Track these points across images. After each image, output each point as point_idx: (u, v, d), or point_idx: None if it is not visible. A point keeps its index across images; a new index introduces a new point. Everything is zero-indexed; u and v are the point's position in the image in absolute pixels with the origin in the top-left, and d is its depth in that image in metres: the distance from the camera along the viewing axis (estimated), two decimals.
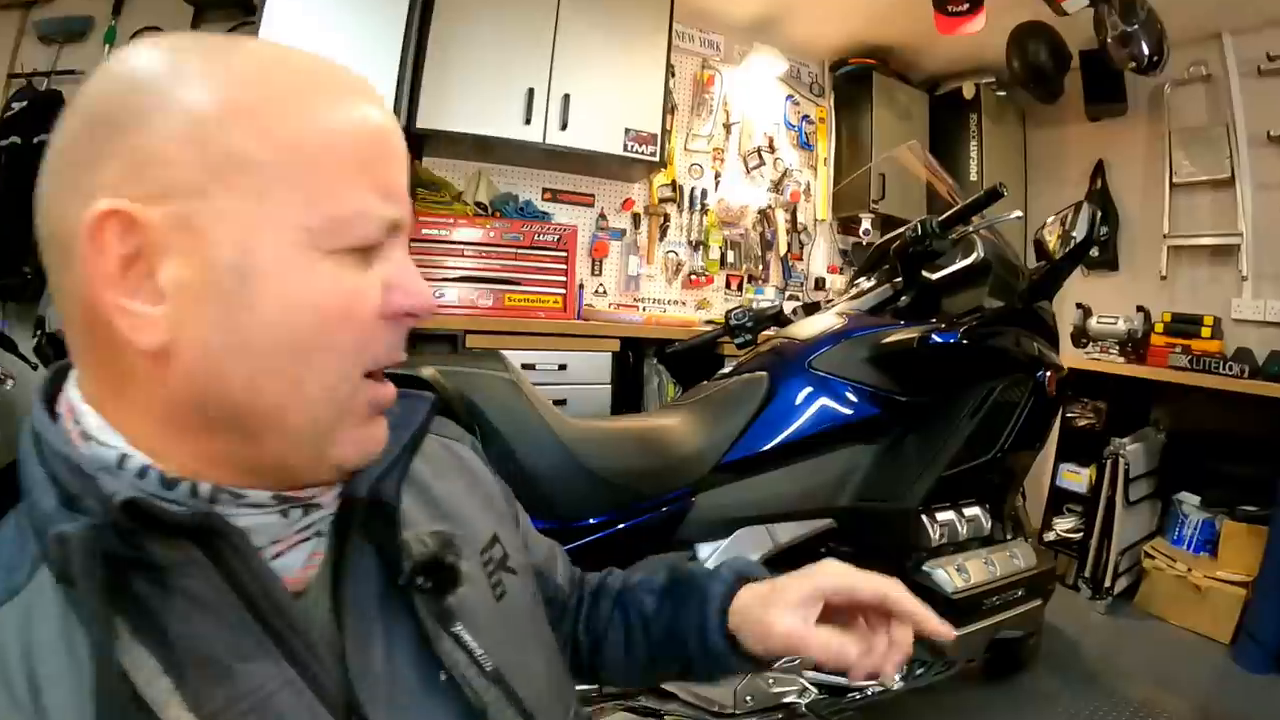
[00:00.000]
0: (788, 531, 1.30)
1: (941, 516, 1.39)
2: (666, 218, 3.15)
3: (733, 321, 1.83)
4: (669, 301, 3.18)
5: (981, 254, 1.57)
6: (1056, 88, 3.24)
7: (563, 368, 2.37)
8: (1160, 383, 2.70)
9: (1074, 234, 1.57)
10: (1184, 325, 2.92)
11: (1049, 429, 1.65)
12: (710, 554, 1.25)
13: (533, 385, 1.58)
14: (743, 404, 1.31)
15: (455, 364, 1.19)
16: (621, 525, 1.18)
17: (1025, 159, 3.70)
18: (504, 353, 1.38)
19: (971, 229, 1.52)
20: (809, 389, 1.34)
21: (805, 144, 3.45)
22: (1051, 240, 1.61)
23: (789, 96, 3.43)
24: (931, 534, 1.38)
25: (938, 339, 1.35)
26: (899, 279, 1.61)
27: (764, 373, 1.37)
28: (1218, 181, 3.03)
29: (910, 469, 1.35)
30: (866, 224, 3.17)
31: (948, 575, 1.34)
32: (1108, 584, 2.70)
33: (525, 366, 2.34)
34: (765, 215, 3.32)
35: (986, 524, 1.51)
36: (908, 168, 1.91)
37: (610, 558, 1.21)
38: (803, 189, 3.38)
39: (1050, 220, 1.62)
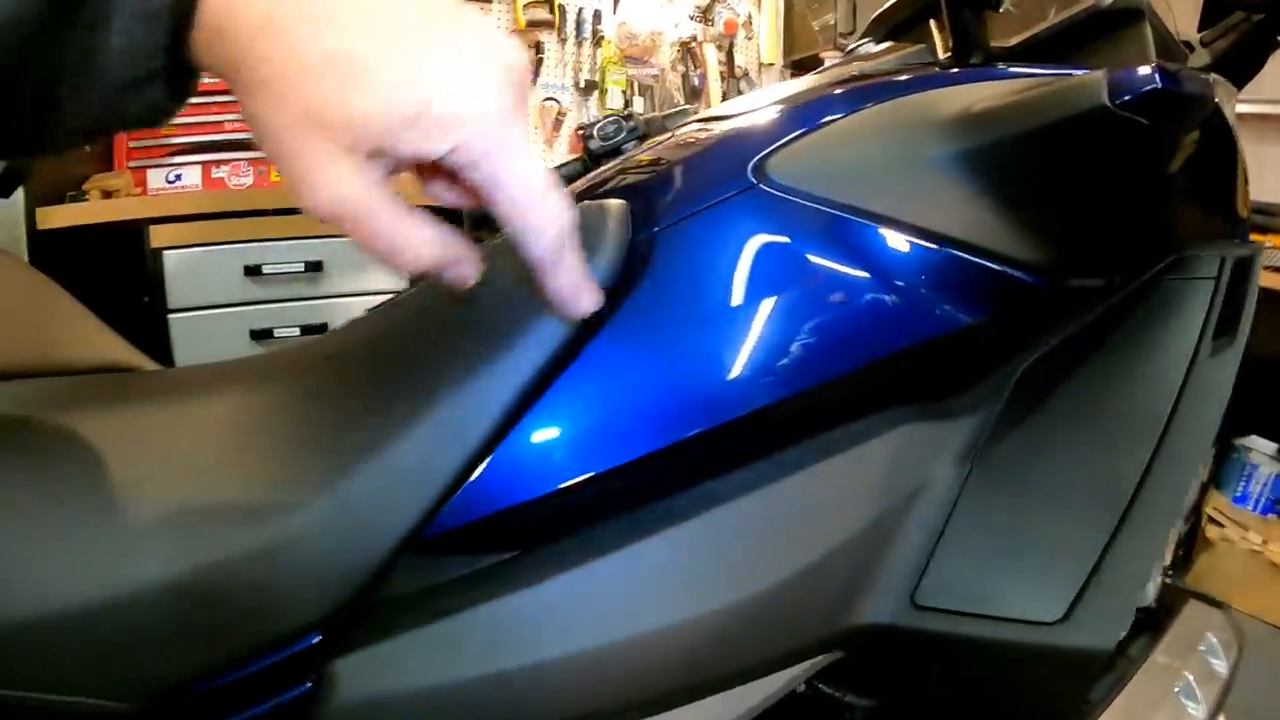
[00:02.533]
0: None
1: None
2: (539, 49, 2.12)
3: (595, 145, 0.86)
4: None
5: None
6: None
7: (314, 267, 1.37)
8: None
9: None
10: (1259, 216, 2.13)
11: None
12: None
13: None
14: (515, 324, 0.35)
15: None
16: None
17: None
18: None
19: None
20: (758, 243, 0.40)
21: None
22: None
23: None
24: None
25: (1176, 85, 0.41)
26: (919, 46, 0.68)
27: (618, 202, 0.42)
28: None
29: (1107, 504, 0.43)
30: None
31: None
32: (1167, 561, 1.93)
33: (249, 271, 1.34)
34: (690, 51, 2.31)
35: (1153, 590, 0.66)
36: None
37: None
38: (741, 20, 2.38)
39: None
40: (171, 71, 0.24)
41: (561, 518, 0.37)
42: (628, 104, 2.20)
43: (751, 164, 0.41)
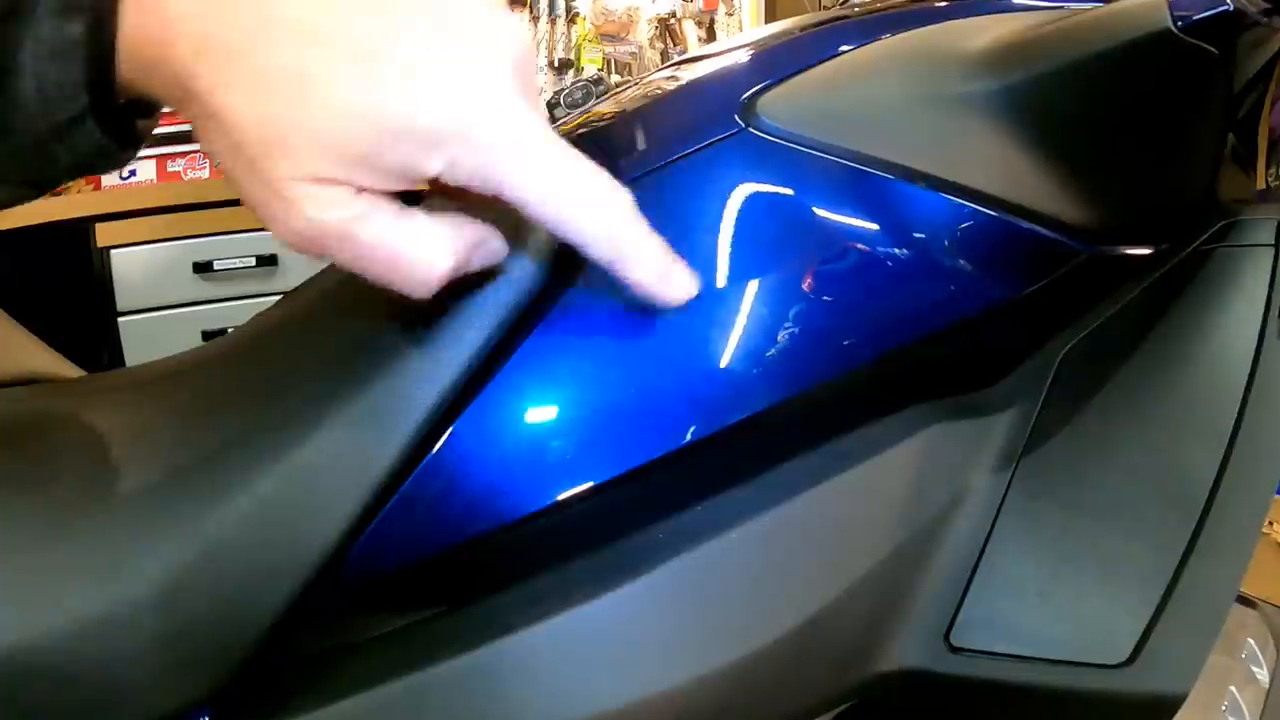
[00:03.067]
0: None
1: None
2: None
3: (561, 114, 0.79)
4: None
5: None
6: None
7: (268, 261, 1.28)
8: None
9: None
10: None
11: None
12: None
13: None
14: (433, 316, 0.27)
15: None
16: None
17: None
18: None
19: None
20: (748, 200, 0.32)
21: None
22: None
23: None
24: None
25: (1246, 8, 0.34)
26: None
27: None
28: None
29: (1177, 516, 0.36)
30: None
31: None
32: None
33: (199, 268, 1.26)
34: (669, 28, 2.23)
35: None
36: None
37: None
38: None
39: None
40: (102, 111, 0.21)
41: (508, 559, 0.29)
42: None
43: (739, 104, 0.34)
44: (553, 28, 2.09)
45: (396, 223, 0.20)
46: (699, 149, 0.32)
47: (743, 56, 0.40)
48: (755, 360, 0.29)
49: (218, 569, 0.26)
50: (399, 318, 0.28)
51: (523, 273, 0.29)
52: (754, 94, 0.34)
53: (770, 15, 2.37)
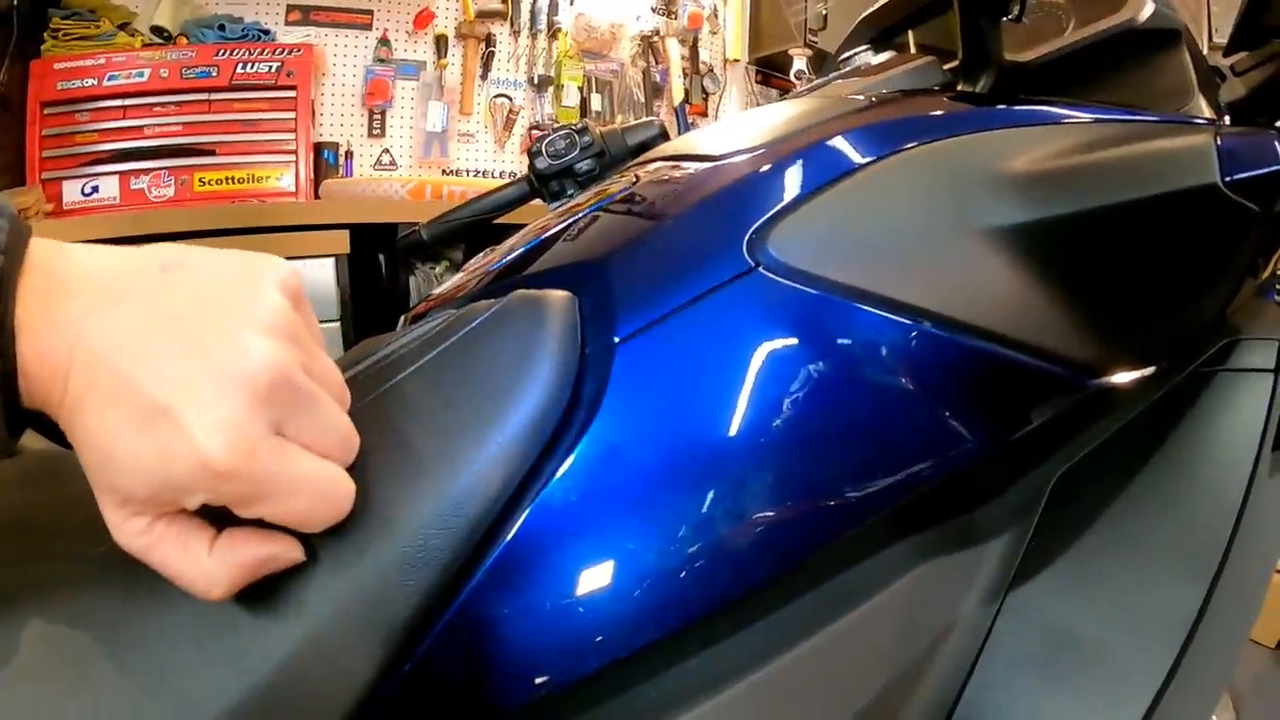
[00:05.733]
0: None
1: None
2: (490, 42, 1.99)
3: (543, 165, 0.76)
4: (499, 172, 2.05)
5: (1150, 8, 0.55)
6: None
7: None
8: None
9: None
10: None
11: None
12: None
13: None
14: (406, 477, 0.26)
15: None
16: None
17: None
18: None
19: None
20: (758, 355, 0.31)
21: None
22: None
23: None
24: None
25: None
26: (929, 57, 0.59)
27: (560, 295, 0.33)
28: None
29: (1160, 646, 0.35)
30: (801, 64, 2.13)
31: None
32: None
33: None
34: (652, 46, 2.20)
35: None
36: None
37: None
38: (706, 14, 2.28)
39: None
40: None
41: None
42: (585, 102, 2.08)
43: (746, 237, 0.32)
44: (533, 43, 2.05)
45: (179, 553, 0.24)
46: (708, 293, 0.31)
47: (748, 167, 0.38)
48: (779, 529, 0.28)
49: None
50: (404, 459, 0.27)
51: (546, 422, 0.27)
52: (764, 224, 0.33)
53: (754, 33, 2.36)
